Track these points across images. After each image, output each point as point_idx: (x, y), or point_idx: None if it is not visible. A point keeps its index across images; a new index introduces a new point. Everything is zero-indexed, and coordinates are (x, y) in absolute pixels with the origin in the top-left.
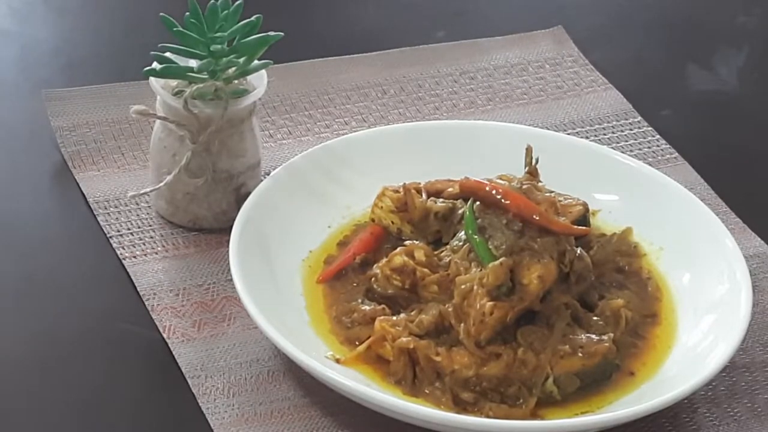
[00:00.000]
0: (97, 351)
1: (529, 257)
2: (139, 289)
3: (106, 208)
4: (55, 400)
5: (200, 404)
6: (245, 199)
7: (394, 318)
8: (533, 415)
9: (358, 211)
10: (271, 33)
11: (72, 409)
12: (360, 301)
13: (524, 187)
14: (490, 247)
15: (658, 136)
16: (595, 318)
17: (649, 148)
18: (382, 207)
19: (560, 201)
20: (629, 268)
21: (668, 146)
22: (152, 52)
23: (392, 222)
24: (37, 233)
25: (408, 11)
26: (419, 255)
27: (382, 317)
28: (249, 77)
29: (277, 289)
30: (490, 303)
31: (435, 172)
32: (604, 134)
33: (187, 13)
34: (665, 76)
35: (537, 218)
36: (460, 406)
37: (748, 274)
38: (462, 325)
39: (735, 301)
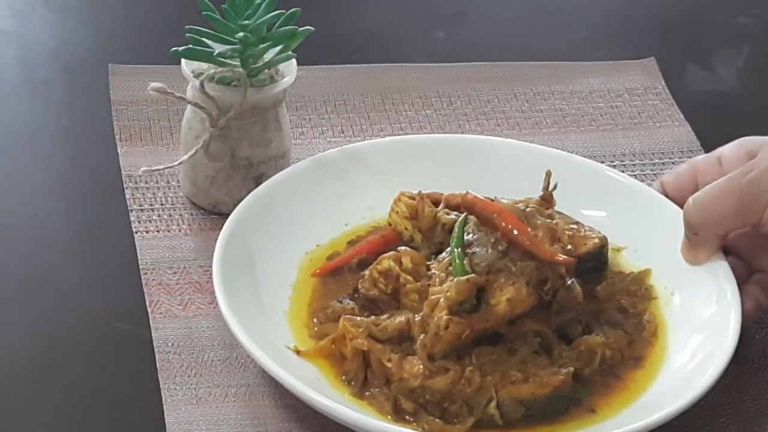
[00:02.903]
0: (95, 351)
1: (505, 279)
2: (140, 263)
3: (136, 183)
4: (54, 399)
5: (159, 379)
6: None
7: (358, 319)
8: None
9: (380, 214)
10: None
11: (71, 408)
12: (341, 299)
13: (528, 209)
14: (465, 262)
15: None
16: (567, 351)
17: None
18: (397, 212)
19: (576, 231)
20: (633, 310)
21: None
22: (187, 34)
23: (405, 228)
24: (36, 233)
25: (408, 11)
26: (406, 262)
27: (347, 316)
28: (281, 70)
29: (267, 273)
30: (447, 317)
31: (463, 187)
32: (661, 169)
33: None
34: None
35: (524, 241)
36: (400, 415)
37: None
38: (422, 335)
39: (722, 351)
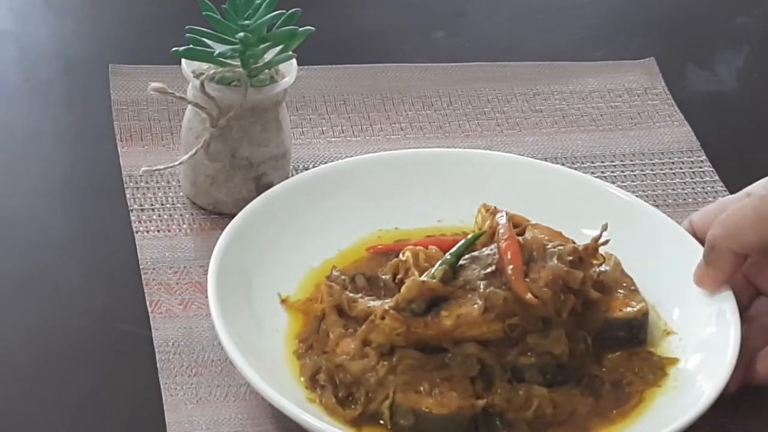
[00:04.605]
0: (95, 351)
1: (469, 297)
2: (140, 263)
3: (136, 183)
4: (54, 399)
5: (159, 378)
6: (266, 189)
7: (337, 288)
8: (353, 424)
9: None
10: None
11: (71, 408)
12: (358, 274)
13: (554, 249)
14: (441, 268)
15: (716, 178)
16: (504, 390)
17: (702, 188)
18: (477, 222)
19: (624, 296)
20: (627, 389)
21: (723, 188)
22: (188, 34)
23: None
24: (36, 233)
25: (408, 11)
26: (422, 258)
27: (329, 282)
28: (281, 70)
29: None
30: (385, 309)
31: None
32: (661, 169)
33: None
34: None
35: (507, 271)
36: (313, 383)
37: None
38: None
39: None
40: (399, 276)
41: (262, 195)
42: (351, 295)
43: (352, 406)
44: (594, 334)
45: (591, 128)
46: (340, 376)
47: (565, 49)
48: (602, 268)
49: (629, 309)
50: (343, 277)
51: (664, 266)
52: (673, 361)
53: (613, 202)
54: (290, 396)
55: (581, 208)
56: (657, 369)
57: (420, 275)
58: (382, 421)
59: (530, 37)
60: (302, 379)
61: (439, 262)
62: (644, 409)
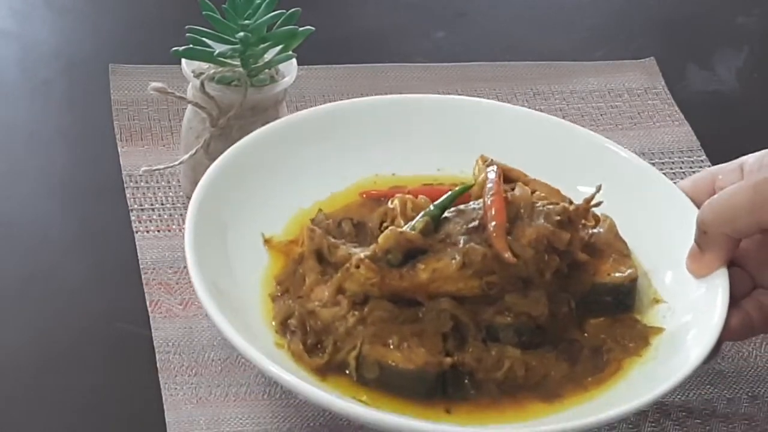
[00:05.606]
0: (95, 351)
1: (448, 251)
2: (140, 263)
3: (136, 182)
4: (54, 399)
5: (159, 378)
6: None
7: (319, 232)
8: (318, 373)
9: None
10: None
11: (71, 408)
12: (344, 219)
13: (543, 208)
14: (423, 219)
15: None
16: (477, 349)
17: None
18: (474, 173)
19: (614, 262)
20: (607, 356)
21: None
22: (188, 34)
23: None
24: (36, 233)
25: (408, 11)
26: (410, 207)
27: (311, 226)
28: (281, 69)
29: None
30: (360, 257)
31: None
32: (661, 169)
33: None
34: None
35: (489, 227)
36: (283, 328)
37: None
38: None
39: None
40: (385, 224)
41: (255, 132)
42: (333, 240)
43: (320, 355)
44: (579, 297)
45: (591, 128)
46: (310, 323)
47: (565, 49)
48: (595, 230)
49: (618, 274)
50: (328, 221)
51: (661, 232)
52: (658, 330)
53: (617, 161)
54: (257, 341)
55: (584, 166)
56: (639, 338)
57: (405, 224)
58: (347, 371)
59: (530, 37)
60: (273, 323)
61: (422, 213)
62: (620, 379)
